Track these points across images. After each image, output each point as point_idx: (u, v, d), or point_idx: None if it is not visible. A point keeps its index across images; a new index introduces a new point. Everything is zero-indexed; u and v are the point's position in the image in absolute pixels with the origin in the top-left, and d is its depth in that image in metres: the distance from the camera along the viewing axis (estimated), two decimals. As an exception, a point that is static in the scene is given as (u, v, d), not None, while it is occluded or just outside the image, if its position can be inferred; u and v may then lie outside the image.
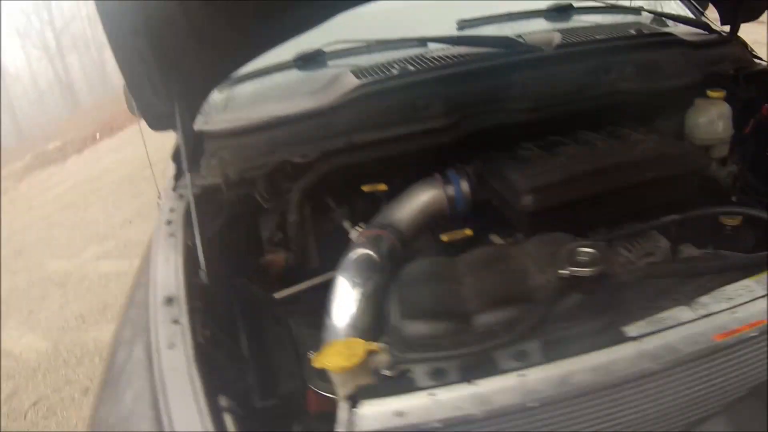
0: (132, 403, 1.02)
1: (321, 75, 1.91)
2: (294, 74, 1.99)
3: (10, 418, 3.22)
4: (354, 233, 1.49)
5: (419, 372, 0.94)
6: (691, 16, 2.12)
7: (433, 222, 1.56)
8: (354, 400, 0.87)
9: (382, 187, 1.63)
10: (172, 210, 1.57)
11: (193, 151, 1.71)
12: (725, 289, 0.97)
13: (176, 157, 1.76)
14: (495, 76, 1.70)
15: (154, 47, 1.36)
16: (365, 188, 1.64)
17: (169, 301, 1.18)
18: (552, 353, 0.92)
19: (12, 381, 3.54)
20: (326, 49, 1.95)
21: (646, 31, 1.92)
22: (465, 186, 1.55)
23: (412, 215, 1.52)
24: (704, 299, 0.95)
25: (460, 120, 1.64)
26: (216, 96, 2.03)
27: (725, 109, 1.69)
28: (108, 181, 7.33)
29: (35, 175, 9.30)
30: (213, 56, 1.57)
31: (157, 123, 1.60)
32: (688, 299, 0.96)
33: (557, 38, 1.76)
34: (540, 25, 2.03)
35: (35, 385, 3.45)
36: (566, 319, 0.99)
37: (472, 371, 0.91)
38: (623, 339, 0.89)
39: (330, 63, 1.97)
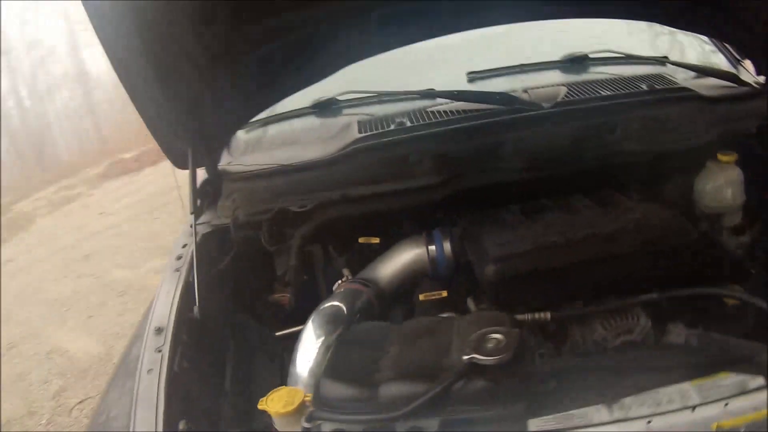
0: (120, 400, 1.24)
1: (334, 123, 2.00)
2: (311, 120, 2.10)
3: (56, 413, 3.50)
4: (336, 285, 1.55)
5: (326, 429, 1.01)
6: (723, 66, 2.02)
7: (415, 280, 1.57)
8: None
9: (375, 240, 1.67)
10: (183, 246, 1.72)
11: (214, 191, 1.88)
12: (658, 392, 0.93)
13: (201, 193, 1.92)
14: (489, 133, 1.68)
15: (168, 97, 1.52)
16: (361, 240, 1.69)
17: (159, 330, 1.33)
18: None
19: (63, 378, 3.84)
20: (339, 98, 2.05)
21: (659, 86, 1.81)
22: (447, 247, 1.54)
23: (393, 272, 1.55)
24: (629, 400, 0.93)
25: (452, 178, 1.64)
26: (243, 136, 2.18)
27: (736, 174, 1.56)
28: (175, 196, 7.72)
29: (110, 183, 9.86)
30: (232, 103, 1.72)
31: (181, 162, 1.77)
32: (613, 397, 0.94)
33: (562, 93, 1.73)
34: (553, 77, 1.98)
35: (84, 385, 3.73)
36: (473, 402, 0.99)
37: None
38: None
39: (344, 111, 2.06)
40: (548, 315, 1.27)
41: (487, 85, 1.96)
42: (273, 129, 2.17)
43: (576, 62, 2.02)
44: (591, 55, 2.02)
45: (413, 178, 1.64)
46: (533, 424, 0.92)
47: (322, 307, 1.38)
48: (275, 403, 1.03)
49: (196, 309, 1.42)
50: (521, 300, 1.34)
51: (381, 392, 1.05)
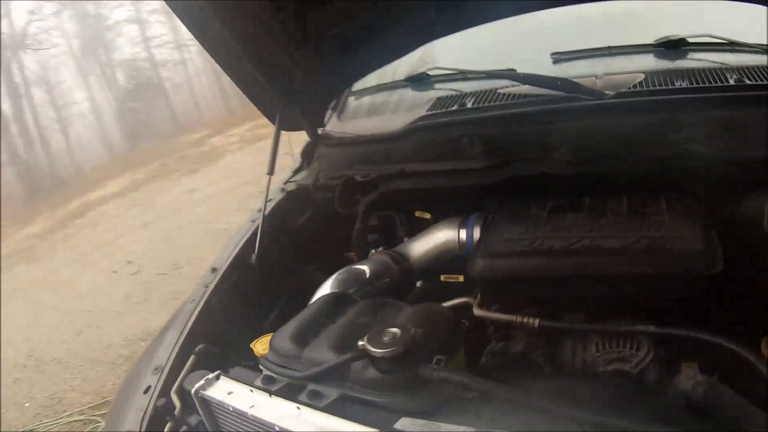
0: None
1: (420, 97, 2.13)
2: (406, 93, 2.24)
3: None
4: (371, 253, 1.70)
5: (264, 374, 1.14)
6: None
7: (446, 260, 1.64)
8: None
9: (427, 215, 1.79)
10: (269, 200, 2.01)
11: (313, 152, 2.14)
12: None
13: (303, 154, 2.20)
14: (540, 121, 1.62)
15: (259, 70, 1.75)
16: (417, 214, 1.82)
17: (213, 270, 1.65)
18: (332, 406, 1.01)
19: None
20: (430, 72, 2.16)
21: (750, 81, 1.53)
22: (478, 233, 1.57)
23: (425, 250, 1.66)
24: None
25: (500, 164, 1.63)
26: (353, 103, 2.42)
27: None
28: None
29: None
30: (322, 75, 1.93)
31: (284, 125, 2.03)
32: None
33: (635, 81, 1.62)
34: (643, 62, 1.83)
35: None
36: (364, 386, 1.04)
37: (287, 390, 1.08)
38: (388, 424, 0.95)
39: (436, 86, 2.16)
40: (536, 322, 1.25)
41: (571, 67, 1.90)
42: (374, 99, 2.36)
43: (670, 47, 1.82)
44: (690, 40, 1.82)
45: (463, 160, 1.67)
46: (402, 422, 0.95)
47: (348, 268, 1.55)
48: (260, 345, 1.28)
49: (254, 256, 1.69)
50: (509, 301, 1.33)
51: (304, 354, 1.13)
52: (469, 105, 1.79)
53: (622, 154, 1.51)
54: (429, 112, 1.86)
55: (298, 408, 1.00)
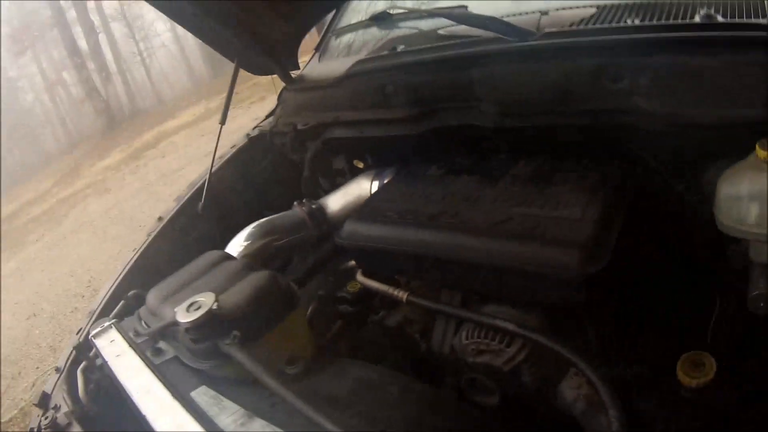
0: None
1: (379, 37, 2.05)
2: (371, 32, 2.15)
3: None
4: (294, 204, 1.72)
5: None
6: None
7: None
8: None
9: (360, 164, 1.81)
10: (233, 146, 2.12)
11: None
12: None
13: (277, 98, 2.25)
14: (465, 67, 1.45)
15: (220, 21, 1.75)
16: (355, 163, 1.84)
17: (159, 219, 1.79)
18: (164, 365, 1.09)
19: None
20: (390, 11, 2.07)
21: (723, 19, 1.21)
22: None
23: (341, 204, 1.68)
24: None
25: (425, 113, 1.54)
26: (332, 43, 2.36)
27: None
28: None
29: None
30: (283, 19, 1.91)
31: (256, 70, 2.10)
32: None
33: (581, 18, 1.44)
34: None
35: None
36: (188, 352, 1.09)
37: (144, 344, 1.16)
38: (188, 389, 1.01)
39: (399, 24, 2.04)
40: (404, 296, 1.24)
41: (524, 2, 1.70)
42: (348, 38, 2.29)
43: None
44: None
45: (389, 109, 1.61)
46: (198, 390, 1.03)
47: (263, 221, 1.61)
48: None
49: (200, 204, 1.81)
50: (377, 269, 1.32)
51: (158, 311, 1.20)
52: (400, 49, 1.71)
53: (552, 107, 1.33)
54: (365, 57, 1.81)
55: (119, 356, 1.10)
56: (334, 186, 1.87)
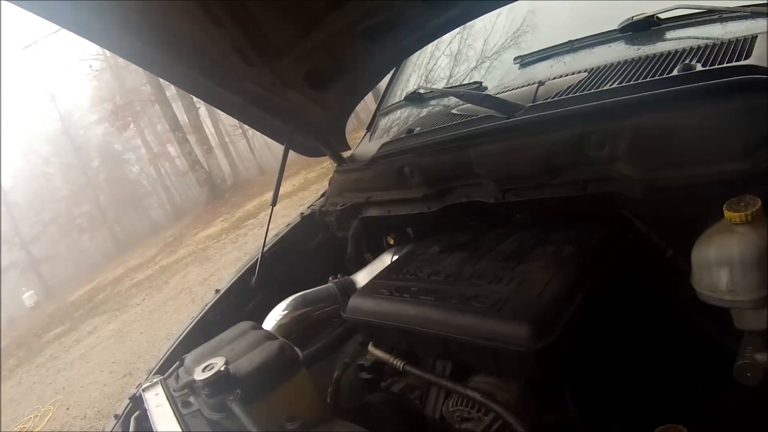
0: None
1: (412, 115, 2.23)
2: (408, 111, 2.32)
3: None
4: (330, 278, 1.88)
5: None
6: None
7: None
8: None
9: (391, 240, 1.94)
10: (288, 224, 2.33)
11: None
12: None
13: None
14: (462, 147, 1.55)
15: (265, 110, 1.95)
16: (389, 239, 1.97)
17: (216, 291, 2.00)
18: (189, 416, 1.27)
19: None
20: (421, 91, 2.24)
21: (704, 67, 1.21)
22: None
23: (367, 275, 1.79)
24: None
25: (440, 192, 1.65)
26: (381, 122, 2.55)
27: (743, 246, 0.95)
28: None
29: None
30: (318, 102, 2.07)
31: (308, 152, 2.31)
32: None
33: (574, 84, 1.47)
34: (607, 53, 1.64)
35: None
36: (207, 406, 1.25)
37: (178, 398, 1.34)
38: None
39: (430, 103, 2.20)
40: (401, 365, 1.36)
41: (532, 70, 1.83)
42: (389, 118, 2.49)
43: (638, 29, 1.59)
44: (661, 16, 1.57)
45: (408, 189, 1.74)
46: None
47: (299, 295, 1.79)
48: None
49: (254, 278, 2.02)
50: (375, 340, 1.45)
51: (190, 371, 1.35)
52: (416, 131, 1.83)
53: (543, 180, 1.37)
54: (389, 139, 1.95)
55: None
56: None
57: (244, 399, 1.19)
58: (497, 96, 1.62)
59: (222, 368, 1.23)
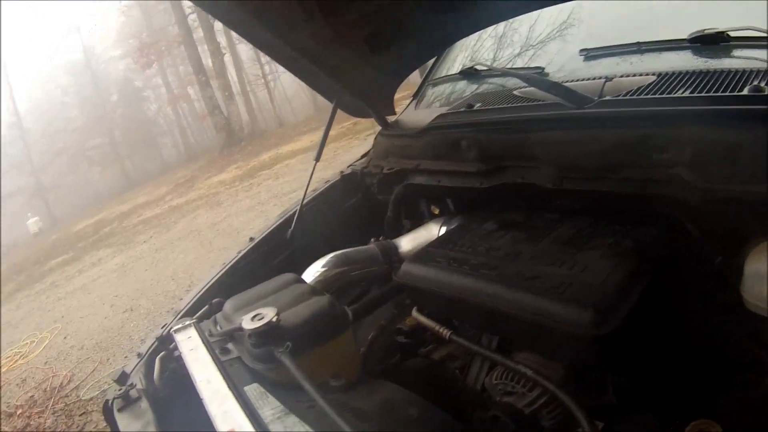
0: None
1: (468, 90, 2.27)
2: (461, 85, 2.37)
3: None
4: (371, 240, 1.94)
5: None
6: None
7: None
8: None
9: (436, 210, 1.99)
10: (327, 181, 2.37)
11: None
12: None
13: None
14: (526, 130, 1.61)
15: (319, 65, 1.94)
16: (432, 208, 2.02)
17: (251, 239, 2.05)
18: (227, 363, 1.28)
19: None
20: (478, 68, 2.29)
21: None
22: None
23: (411, 245, 1.85)
24: None
25: (494, 169, 1.70)
26: (428, 92, 2.59)
27: None
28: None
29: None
30: (373, 66, 2.07)
31: (354, 112, 2.34)
32: None
33: (643, 85, 1.51)
34: (673, 60, 1.69)
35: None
36: (249, 354, 1.29)
37: (216, 344, 1.37)
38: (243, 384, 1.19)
39: (485, 80, 2.26)
40: (447, 334, 1.41)
41: (597, 64, 1.86)
42: (441, 89, 2.52)
43: (707, 42, 1.63)
44: (732, 34, 1.60)
45: (463, 162, 1.79)
46: (251, 387, 1.20)
47: (341, 253, 1.84)
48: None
49: (290, 231, 2.06)
50: (425, 307, 1.50)
51: (233, 317, 1.42)
52: (476, 107, 1.88)
53: (604, 174, 1.44)
54: (446, 111, 2.00)
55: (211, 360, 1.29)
56: (414, 227, 2.06)
57: (293, 352, 1.21)
58: (565, 84, 1.64)
59: (273, 319, 1.25)
